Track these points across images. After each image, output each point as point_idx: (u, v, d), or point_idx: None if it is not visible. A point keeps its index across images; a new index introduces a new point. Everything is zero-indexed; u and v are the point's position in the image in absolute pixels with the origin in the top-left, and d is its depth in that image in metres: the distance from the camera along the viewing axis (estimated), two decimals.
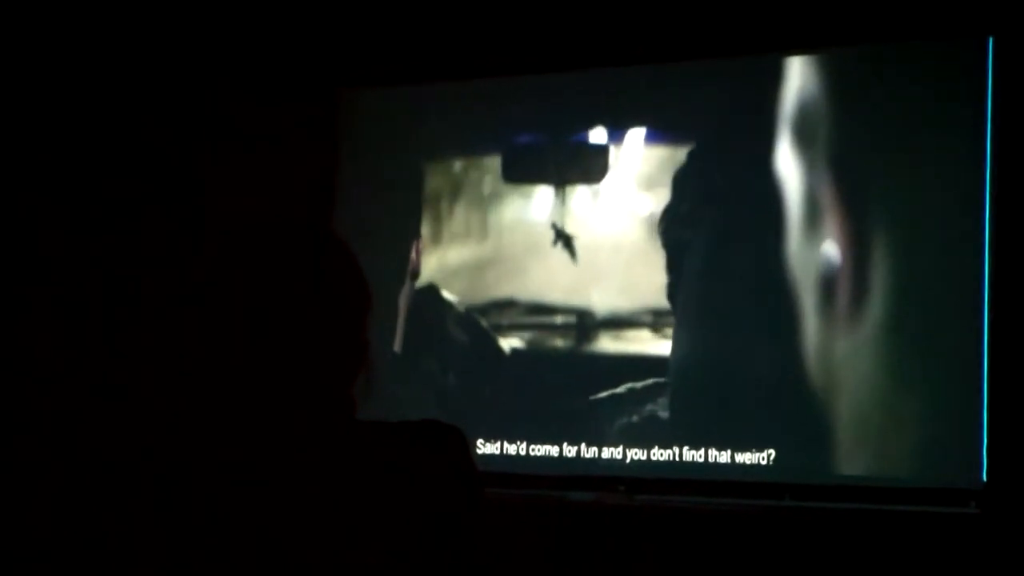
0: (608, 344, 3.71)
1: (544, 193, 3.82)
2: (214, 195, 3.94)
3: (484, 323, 3.85)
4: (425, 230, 3.94)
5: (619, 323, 3.70)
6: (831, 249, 3.45)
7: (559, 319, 3.77)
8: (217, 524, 1.27)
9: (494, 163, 3.89)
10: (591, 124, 3.79)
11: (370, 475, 1.29)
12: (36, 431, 3.52)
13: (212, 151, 3.99)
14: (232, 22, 3.98)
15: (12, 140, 3.69)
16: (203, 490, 1.29)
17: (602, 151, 3.76)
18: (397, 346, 3.91)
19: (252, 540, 1.26)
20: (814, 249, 3.47)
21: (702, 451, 3.55)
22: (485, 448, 3.73)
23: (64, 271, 3.70)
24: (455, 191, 3.93)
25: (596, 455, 3.66)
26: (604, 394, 3.68)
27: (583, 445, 3.67)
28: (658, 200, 3.68)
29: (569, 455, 3.69)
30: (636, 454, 3.62)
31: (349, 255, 1.39)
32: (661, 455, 3.59)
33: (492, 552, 1.33)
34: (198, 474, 1.30)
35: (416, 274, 3.93)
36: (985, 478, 3.27)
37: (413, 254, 3.94)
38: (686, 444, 3.56)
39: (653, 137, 3.72)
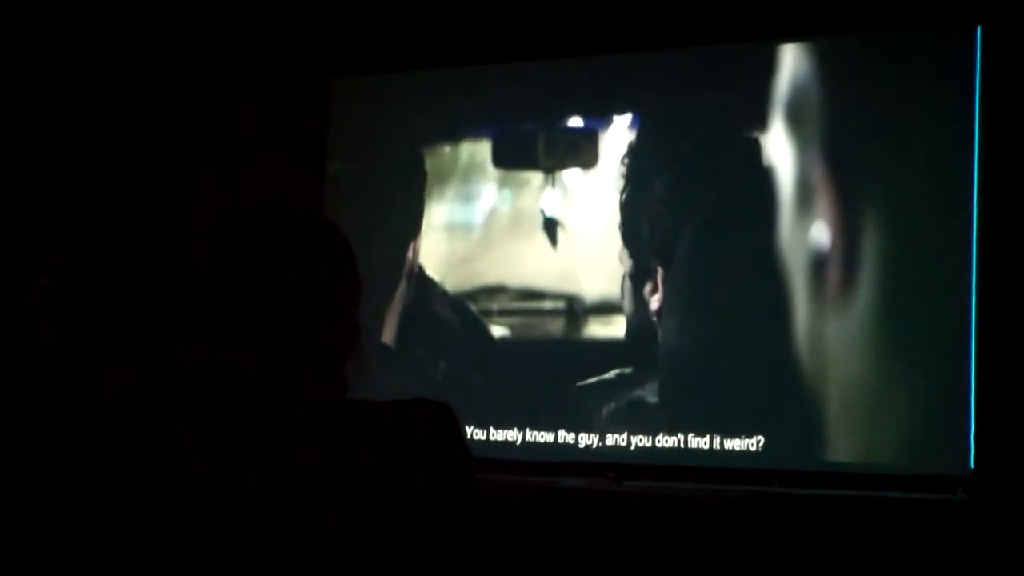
0: (597, 330, 3.71)
1: (534, 179, 3.82)
2: (205, 186, 3.93)
3: (474, 308, 3.85)
4: (419, 223, 3.94)
5: (608, 309, 3.70)
6: (822, 237, 3.46)
7: (548, 304, 3.77)
8: (209, 505, 1.27)
9: (484, 149, 3.89)
10: (582, 111, 3.79)
11: (360, 453, 1.30)
12: (32, 427, 3.51)
13: (203, 141, 3.98)
14: (223, 11, 3.98)
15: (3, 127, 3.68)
16: (195, 473, 1.29)
17: (592, 137, 3.77)
18: (389, 337, 3.91)
19: (245, 520, 1.26)
20: (805, 237, 3.48)
21: (691, 437, 3.55)
22: (475, 435, 3.73)
23: (55, 260, 3.70)
24: (445, 178, 3.93)
25: (585, 441, 3.67)
26: (593, 380, 3.68)
27: (572, 431, 3.68)
28: (648, 186, 3.68)
29: (559, 441, 3.69)
30: (625, 440, 3.63)
31: (339, 237, 1.40)
32: (650, 441, 3.60)
33: (483, 530, 1.34)
34: (189, 456, 1.30)
35: (412, 273, 3.93)
36: (973, 465, 3.29)
37: (410, 253, 3.94)
38: (675, 430, 3.57)
39: (643, 124, 3.73)
